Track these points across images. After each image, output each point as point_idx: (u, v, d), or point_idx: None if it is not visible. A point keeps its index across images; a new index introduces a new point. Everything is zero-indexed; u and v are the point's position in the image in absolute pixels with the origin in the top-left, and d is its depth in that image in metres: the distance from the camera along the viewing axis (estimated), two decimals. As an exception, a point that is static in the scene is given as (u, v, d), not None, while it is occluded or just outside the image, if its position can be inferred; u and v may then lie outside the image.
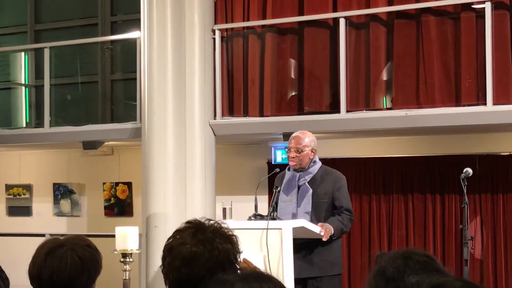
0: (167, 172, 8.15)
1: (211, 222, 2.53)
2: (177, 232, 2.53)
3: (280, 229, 5.37)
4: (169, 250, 2.50)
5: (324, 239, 5.67)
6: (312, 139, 6.01)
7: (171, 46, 8.25)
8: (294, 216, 5.84)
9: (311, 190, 5.87)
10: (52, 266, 2.61)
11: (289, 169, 6.04)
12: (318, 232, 5.64)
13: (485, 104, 7.46)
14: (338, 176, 6.01)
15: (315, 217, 5.84)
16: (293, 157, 5.92)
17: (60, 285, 2.61)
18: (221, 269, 2.43)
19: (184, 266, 2.44)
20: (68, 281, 2.61)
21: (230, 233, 2.53)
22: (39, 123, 9.97)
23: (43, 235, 9.47)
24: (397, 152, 9.27)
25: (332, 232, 5.74)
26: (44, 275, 2.60)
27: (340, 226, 5.81)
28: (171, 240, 2.51)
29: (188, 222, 2.54)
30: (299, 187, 5.92)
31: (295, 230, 5.43)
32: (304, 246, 5.79)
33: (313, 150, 5.97)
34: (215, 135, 8.49)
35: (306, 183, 5.90)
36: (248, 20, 8.67)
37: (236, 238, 2.52)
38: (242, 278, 1.97)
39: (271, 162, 9.57)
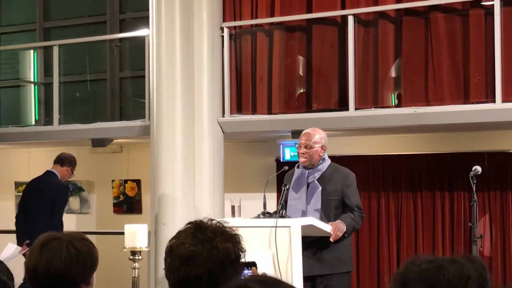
0: (175, 170, 8.16)
1: (213, 221, 2.52)
2: (179, 233, 2.52)
3: (289, 227, 5.37)
4: (169, 251, 2.49)
5: (331, 239, 5.67)
6: (323, 136, 6.01)
7: (180, 43, 8.26)
8: (304, 213, 5.84)
9: (320, 188, 5.87)
10: (47, 257, 2.63)
11: (298, 167, 6.04)
12: (328, 230, 5.64)
13: (494, 101, 7.44)
14: (347, 174, 6.01)
15: (324, 215, 5.85)
16: (303, 153, 5.92)
17: (55, 275, 2.61)
18: (221, 268, 2.42)
19: (183, 266, 2.43)
20: (63, 272, 2.62)
21: (233, 232, 2.51)
22: (48, 121, 10.00)
23: (52, 233, 9.49)
24: (406, 150, 9.25)
25: (345, 230, 5.75)
26: (39, 267, 2.61)
27: (352, 223, 5.82)
28: (172, 241, 2.51)
29: (189, 223, 2.53)
30: (308, 185, 5.92)
31: (304, 228, 5.44)
32: (313, 243, 5.79)
33: (323, 147, 5.98)
34: (223, 132, 8.49)
35: (315, 181, 5.90)
36: (256, 17, 8.66)
37: (239, 238, 2.50)
38: (261, 283, 1.94)
39: (280, 160, 9.57)
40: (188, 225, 2.51)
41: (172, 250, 2.47)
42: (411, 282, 1.98)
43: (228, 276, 2.40)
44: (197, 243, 2.43)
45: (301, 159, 5.95)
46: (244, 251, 2.49)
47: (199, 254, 2.42)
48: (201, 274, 2.40)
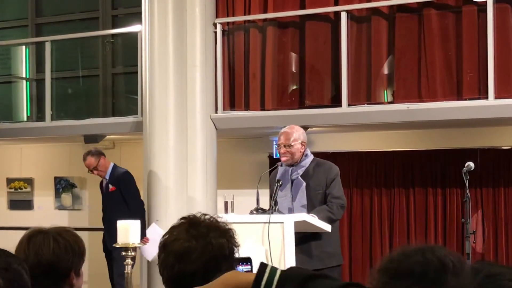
0: (168, 166, 8.15)
1: (206, 216, 2.50)
2: (172, 228, 2.51)
3: (282, 223, 5.37)
4: (163, 247, 2.47)
5: None
6: (301, 132, 6.01)
7: (172, 39, 8.24)
8: (291, 210, 5.84)
9: (304, 183, 5.87)
10: (35, 248, 2.64)
11: (281, 165, 6.04)
12: (319, 225, 5.64)
13: (486, 98, 7.45)
14: (330, 167, 6.01)
15: (311, 210, 5.84)
16: (284, 153, 5.92)
17: (46, 266, 2.61)
18: (215, 264, 2.41)
19: (177, 262, 2.41)
20: (53, 261, 2.62)
21: (227, 227, 2.50)
22: (40, 117, 9.97)
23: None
24: (399, 146, 9.26)
25: None
26: (29, 259, 2.60)
27: (326, 215, 5.76)
28: (165, 237, 2.50)
29: (183, 218, 2.52)
30: (292, 182, 5.93)
31: (296, 224, 5.44)
32: (302, 239, 5.78)
33: (303, 144, 5.97)
34: (216, 128, 8.48)
35: (299, 177, 5.91)
36: (249, 13, 8.65)
37: (232, 232, 2.49)
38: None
39: (272, 156, 9.56)
40: (182, 220, 2.50)
41: (165, 246, 2.46)
42: (414, 273, 1.99)
43: (222, 272, 2.39)
44: (191, 239, 2.42)
45: (283, 158, 5.96)
46: (238, 246, 2.48)
47: (193, 250, 2.40)
48: (196, 270, 2.39)
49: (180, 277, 2.41)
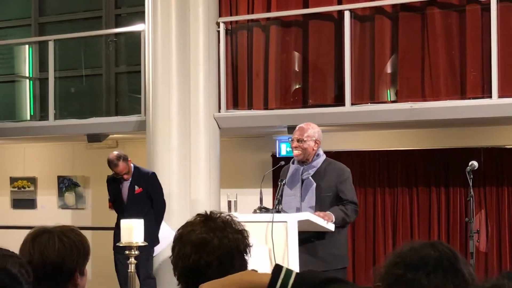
0: (171, 165, 8.15)
1: (222, 214, 2.53)
2: (188, 222, 2.53)
3: (286, 222, 5.37)
4: (178, 238, 2.49)
5: (325, 220, 5.60)
6: (316, 130, 5.99)
7: (176, 39, 8.25)
8: (298, 210, 5.80)
9: (314, 184, 5.83)
10: (40, 248, 2.62)
11: (293, 163, 6.01)
12: (323, 225, 5.62)
13: (490, 97, 7.44)
14: (342, 169, 5.98)
15: (318, 211, 5.81)
16: (296, 147, 5.90)
17: (51, 266, 2.61)
18: (230, 258, 2.42)
19: (194, 252, 2.42)
20: (57, 261, 2.62)
21: (240, 227, 2.52)
22: (44, 116, 9.97)
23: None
24: (402, 145, 9.25)
25: (333, 220, 5.68)
26: (33, 259, 2.59)
27: (341, 215, 5.75)
28: (180, 230, 2.51)
29: (198, 215, 2.54)
30: (302, 181, 5.90)
31: (300, 223, 5.43)
32: (308, 239, 5.77)
33: (317, 142, 5.94)
34: (219, 128, 8.49)
35: (310, 177, 5.87)
36: (252, 12, 8.66)
37: (247, 233, 2.51)
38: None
39: (276, 155, 9.56)
40: (197, 217, 2.52)
41: (182, 237, 2.47)
42: (428, 265, 2.00)
43: (236, 267, 2.41)
44: (209, 231, 2.44)
45: (295, 152, 5.93)
46: (251, 246, 2.49)
47: (210, 241, 2.42)
48: (211, 262, 2.41)
49: (195, 268, 2.42)
